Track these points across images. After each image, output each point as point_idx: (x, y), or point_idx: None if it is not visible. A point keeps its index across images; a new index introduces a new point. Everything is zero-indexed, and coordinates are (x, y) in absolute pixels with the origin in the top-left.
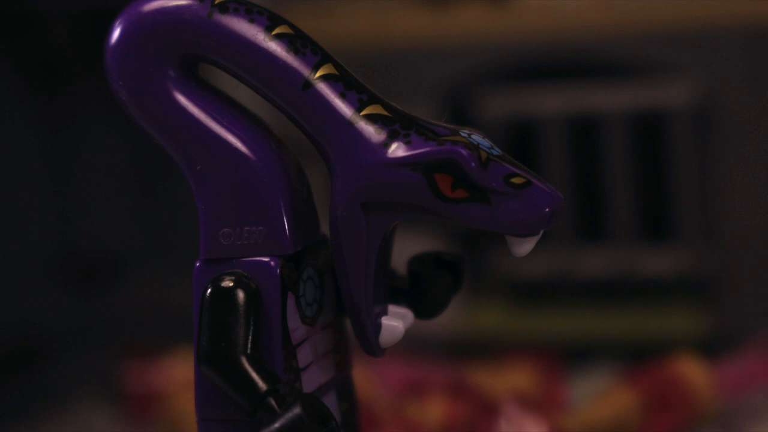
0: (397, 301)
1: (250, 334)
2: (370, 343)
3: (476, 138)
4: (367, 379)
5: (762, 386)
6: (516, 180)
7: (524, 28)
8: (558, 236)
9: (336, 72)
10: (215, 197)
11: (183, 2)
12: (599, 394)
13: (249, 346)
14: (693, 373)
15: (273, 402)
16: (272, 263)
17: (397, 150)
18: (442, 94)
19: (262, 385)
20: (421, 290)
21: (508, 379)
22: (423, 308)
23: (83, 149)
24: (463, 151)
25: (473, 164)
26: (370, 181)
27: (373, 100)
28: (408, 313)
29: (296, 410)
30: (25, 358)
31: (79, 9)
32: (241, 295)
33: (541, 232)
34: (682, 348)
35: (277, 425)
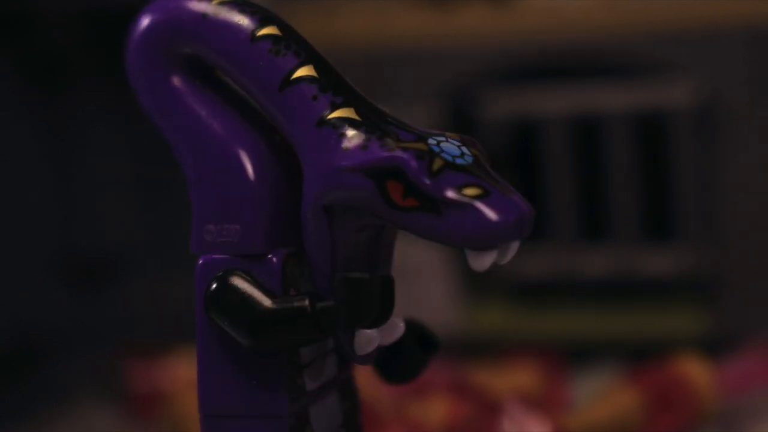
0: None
1: (262, 290)
2: (344, 348)
3: (447, 145)
4: (370, 379)
5: (763, 386)
6: (470, 191)
7: (526, 28)
8: (560, 236)
9: (314, 74)
10: (202, 194)
11: (185, 2)
12: (601, 394)
13: (267, 295)
14: (695, 372)
15: (321, 303)
16: (275, 259)
17: (352, 155)
18: (444, 94)
19: (301, 304)
20: (397, 358)
21: (510, 379)
22: (391, 374)
23: (83, 149)
24: (408, 158)
25: (418, 172)
26: (326, 187)
27: (347, 103)
28: (397, 323)
29: (342, 280)
30: (26, 358)
31: (79, 9)
32: (244, 283)
33: (511, 245)
34: (683, 348)
35: (347, 308)
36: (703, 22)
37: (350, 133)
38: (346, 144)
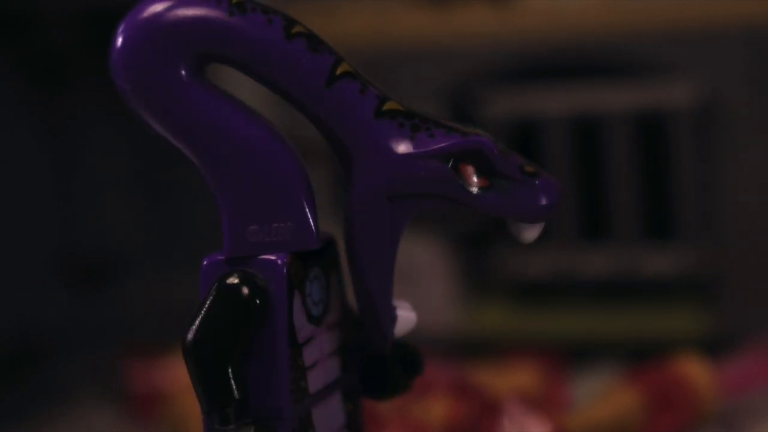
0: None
1: (241, 341)
2: (385, 335)
3: (481, 131)
4: None
5: (763, 386)
6: (528, 168)
7: (527, 28)
8: (560, 236)
9: (353, 70)
10: (241, 195)
11: (200, 3)
12: (601, 394)
13: (236, 351)
14: (695, 372)
15: (232, 413)
16: (279, 261)
17: (422, 142)
18: (444, 94)
19: (235, 392)
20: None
21: (510, 379)
22: (374, 390)
23: (84, 149)
24: (487, 141)
25: (497, 153)
26: (399, 173)
27: (388, 97)
28: (410, 306)
29: (249, 430)
30: (25, 358)
31: (79, 9)
32: (245, 295)
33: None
34: (683, 347)
35: None
36: (703, 22)
37: (410, 122)
38: (412, 133)
